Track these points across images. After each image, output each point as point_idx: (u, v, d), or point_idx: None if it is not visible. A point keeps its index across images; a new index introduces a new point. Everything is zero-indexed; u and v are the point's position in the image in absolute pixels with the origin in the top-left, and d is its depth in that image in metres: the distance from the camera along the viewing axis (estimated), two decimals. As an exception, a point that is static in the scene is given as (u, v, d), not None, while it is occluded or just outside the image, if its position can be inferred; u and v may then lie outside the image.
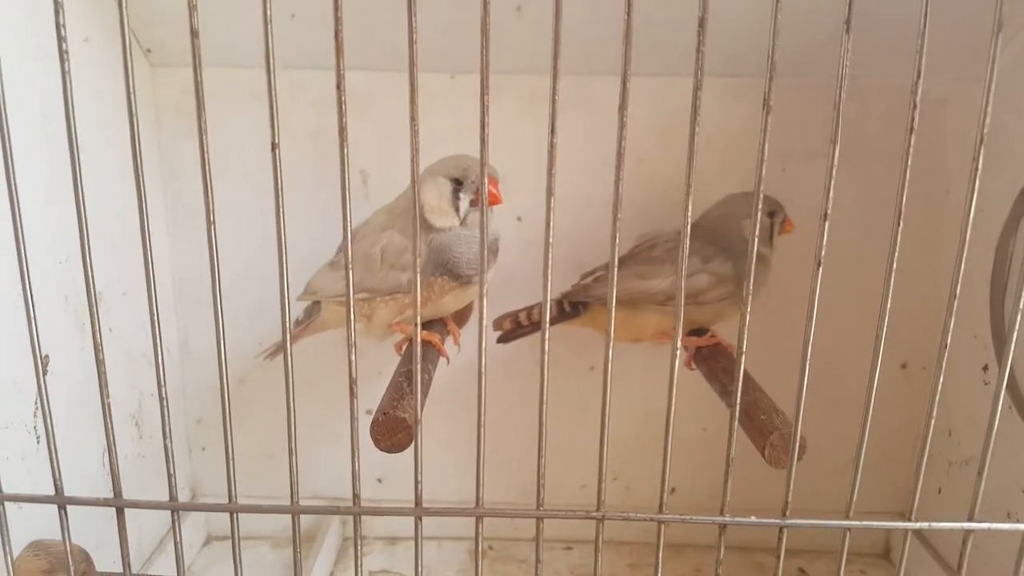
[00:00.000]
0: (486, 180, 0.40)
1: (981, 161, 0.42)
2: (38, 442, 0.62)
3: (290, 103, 0.83)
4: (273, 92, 0.42)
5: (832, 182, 0.42)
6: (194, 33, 0.41)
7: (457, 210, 0.70)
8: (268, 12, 0.39)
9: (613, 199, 0.42)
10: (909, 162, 0.41)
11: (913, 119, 0.41)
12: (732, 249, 0.75)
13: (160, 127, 0.84)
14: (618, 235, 0.43)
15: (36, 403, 0.62)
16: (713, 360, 0.71)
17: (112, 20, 0.77)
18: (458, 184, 0.70)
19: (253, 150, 0.84)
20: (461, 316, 0.80)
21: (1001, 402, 0.46)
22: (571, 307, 0.76)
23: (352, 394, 0.46)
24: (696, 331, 0.77)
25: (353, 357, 0.45)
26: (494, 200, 0.67)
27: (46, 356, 0.63)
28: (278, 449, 0.94)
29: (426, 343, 0.70)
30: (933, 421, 0.46)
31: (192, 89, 0.89)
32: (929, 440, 0.47)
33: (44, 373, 0.48)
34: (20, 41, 0.63)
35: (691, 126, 0.40)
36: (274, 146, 0.42)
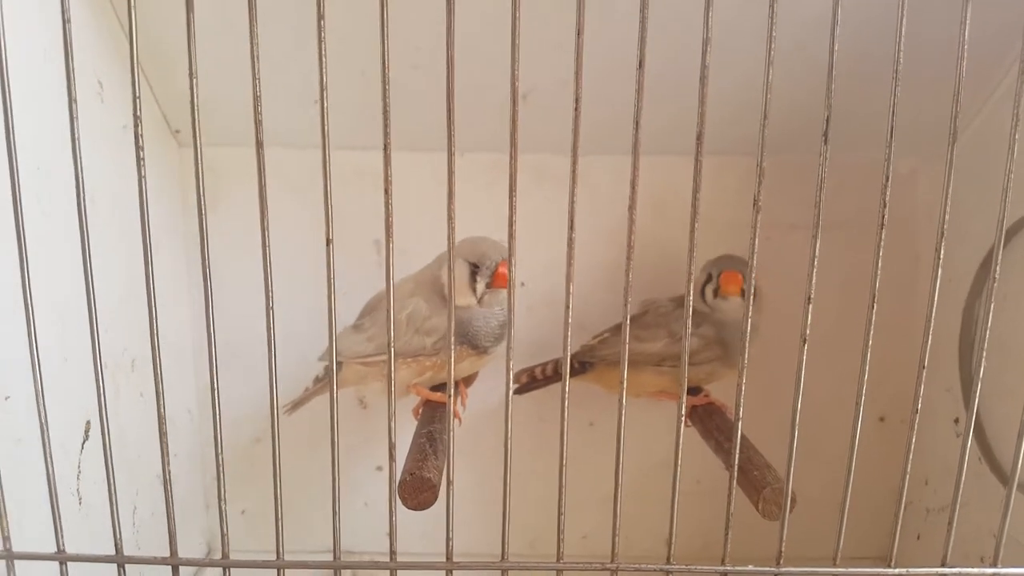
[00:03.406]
0: (513, 264, 0.46)
1: (943, 251, 0.48)
2: (80, 503, 0.66)
3: (309, 179, 0.89)
4: (328, 198, 0.47)
5: (815, 271, 0.48)
6: (259, 144, 0.47)
7: (474, 291, 0.77)
8: (327, 151, 0.45)
9: (623, 289, 0.48)
10: (881, 255, 0.48)
11: (883, 216, 0.48)
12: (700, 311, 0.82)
13: (185, 201, 0.90)
14: (628, 311, 0.49)
15: (79, 467, 0.66)
16: (708, 419, 0.77)
17: (149, 109, 0.83)
18: (475, 268, 0.77)
19: (274, 224, 0.89)
20: (469, 378, 0.85)
21: (967, 455, 0.52)
22: (579, 364, 0.82)
23: (391, 458, 0.50)
24: (691, 390, 0.83)
25: (393, 424, 0.50)
26: (504, 282, 0.74)
27: (87, 422, 0.67)
28: (295, 505, 0.98)
29: (443, 404, 0.75)
30: (908, 476, 0.51)
31: (214, 167, 0.95)
32: (905, 491, 0.52)
33: (105, 439, 0.52)
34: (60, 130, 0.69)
35: (692, 209, 0.47)
36: (328, 241, 0.47)
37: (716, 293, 0.82)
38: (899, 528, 0.53)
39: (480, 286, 0.77)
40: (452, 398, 0.50)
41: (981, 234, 0.82)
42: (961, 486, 0.52)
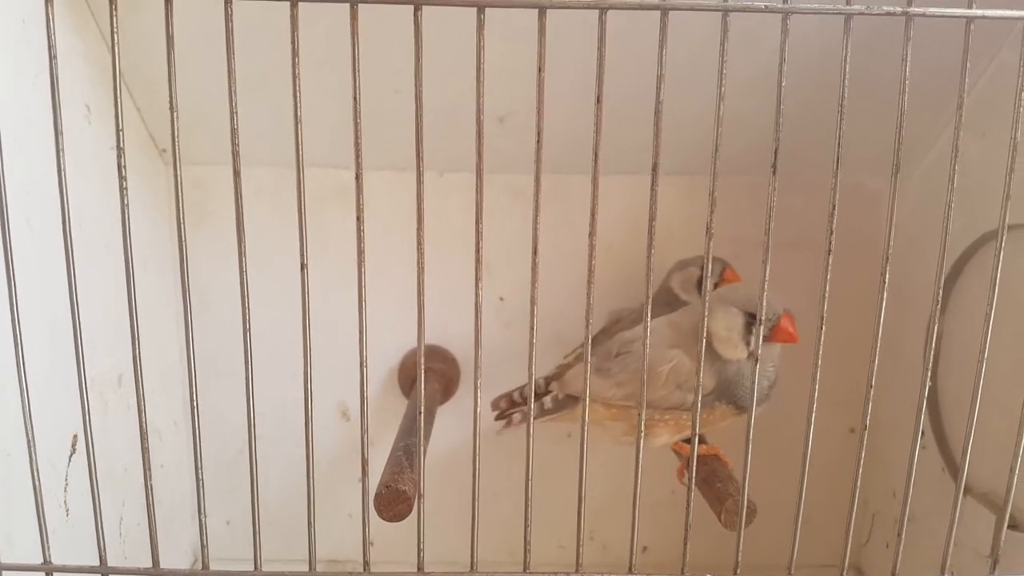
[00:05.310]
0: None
1: (887, 277, 0.51)
2: (67, 515, 0.68)
3: (290, 197, 0.91)
4: (303, 220, 0.49)
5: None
6: (236, 173, 0.49)
7: (747, 344, 0.71)
8: (301, 178, 0.48)
9: (586, 320, 0.50)
10: (828, 278, 0.50)
11: (830, 242, 0.50)
12: (675, 309, 0.83)
13: (171, 219, 0.92)
14: (592, 332, 0.52)
15: (66, 479, 0.68)
16: (703, 465, 0.72)
17: (136, 129, 0.86)
18: (753, 319, 0.70)
19: (256, 242, 0.92)
20: (448, 391, 0.87)
21: (914, 470, 0.54)
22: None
23: (364, 473, 0.52)
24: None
25: (366, 439, 0.52)
26: (790, 338, 0.70)
27: (74, 436, 0.69)
28: (277, 516, 1.00)
29: (712, 456, 0.74)
30: (858, 489, 0.54)
31: (201, 184, 0.97)
32: (856, 503, 0.55)
33: (90, 453, 0.54)
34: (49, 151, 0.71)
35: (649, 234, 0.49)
36: (303, 266, 0.50)
37: (717, 286, 0.82)
38: (849, 539, 0.55)
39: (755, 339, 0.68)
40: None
41: (948, 250, 0.85)
42: (909, 500, 0.55)
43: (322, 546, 1.01)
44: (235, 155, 0.49)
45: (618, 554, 1.04)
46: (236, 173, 0.49)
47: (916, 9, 0.46)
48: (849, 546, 0.56)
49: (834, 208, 0.50)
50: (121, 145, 0.49)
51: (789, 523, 0.85)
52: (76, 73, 0.73)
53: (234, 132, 0.48)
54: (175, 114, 0.48)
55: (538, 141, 0.48)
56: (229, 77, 0.47)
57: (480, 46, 0.48)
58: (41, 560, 0.53)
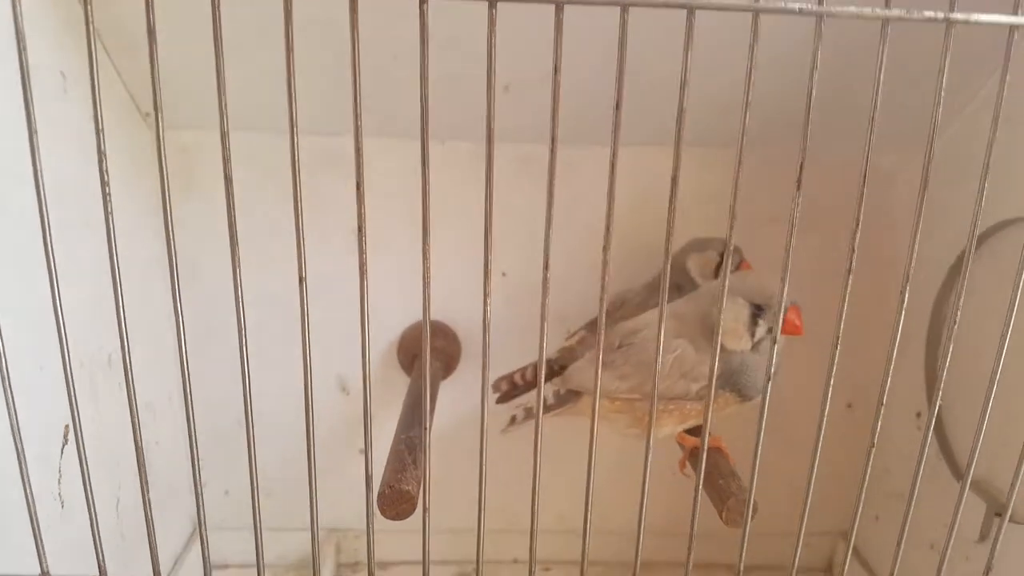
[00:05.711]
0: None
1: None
2: (62, 507, 0.67)
3: (283, 163, 0.88)
4: (301, 235, 0.47)
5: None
6: (228, 179, 0.46)
7: (752, 335, 0.71)
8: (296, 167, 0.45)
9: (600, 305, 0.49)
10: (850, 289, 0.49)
11: (853, 254, 0.48)
12: (686, 291, 0.82)
13: (157, 187, 0.88)
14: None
15: (59, 470, 0.67)
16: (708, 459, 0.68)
17: (116, 93, 0.81)
18: (759, 310, 0.70)
19: (247, 208, 0.88)
20: (449, 368, 0.86)
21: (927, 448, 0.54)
22: (558, 368, 0.79)
23: (368, 487, 0.51)
24: (695, 430, 0.77)
25: (370, 453, 0.51)
26: (796, 331, 0.69)
27: (66, 426, 0.68)
28: (275, 487, 0.99)
29: (715, 448, 0.74)
30: (851, 462, 0.54)
31: (187, 149, 0.93)
32: (859, 513, 0.55)
33: (83, 462, 0.52)
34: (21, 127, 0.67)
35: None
36: (301, 280, 0.47)
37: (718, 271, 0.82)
38: (854, 535, 0.55)
39: (760, 331, 0.71)
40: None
41: (954, 233, 0.83)
42: (911, 508, 0.54)
43: (323, 516, 1.01)
44: (225, 154, 0.46)
45: (616, 521, 1.05)
46: (226, 161, 0.46)
47: (959, 15, 0.43)
48: (855, 531, 0.55)
49: (858, 225, 0.48)
50: (102, 138, 0.46)
51: (780, 492, 0.86)
52: (49, 41, 0.68)
53: (224, 135, 0.45)
54: (157, 88, 0.44)
55: (552, 150, 0.45)
56: (217, 60, 0.44)
57: (491, 43, 0.44)
58: (38, 571, 0.53)
